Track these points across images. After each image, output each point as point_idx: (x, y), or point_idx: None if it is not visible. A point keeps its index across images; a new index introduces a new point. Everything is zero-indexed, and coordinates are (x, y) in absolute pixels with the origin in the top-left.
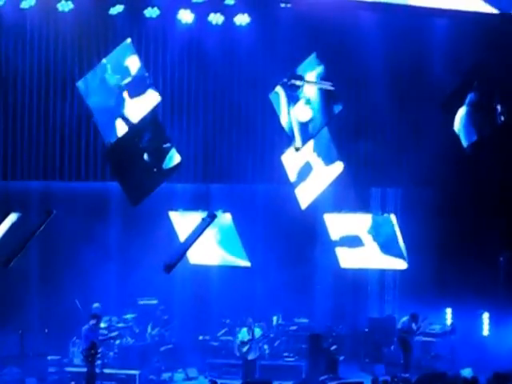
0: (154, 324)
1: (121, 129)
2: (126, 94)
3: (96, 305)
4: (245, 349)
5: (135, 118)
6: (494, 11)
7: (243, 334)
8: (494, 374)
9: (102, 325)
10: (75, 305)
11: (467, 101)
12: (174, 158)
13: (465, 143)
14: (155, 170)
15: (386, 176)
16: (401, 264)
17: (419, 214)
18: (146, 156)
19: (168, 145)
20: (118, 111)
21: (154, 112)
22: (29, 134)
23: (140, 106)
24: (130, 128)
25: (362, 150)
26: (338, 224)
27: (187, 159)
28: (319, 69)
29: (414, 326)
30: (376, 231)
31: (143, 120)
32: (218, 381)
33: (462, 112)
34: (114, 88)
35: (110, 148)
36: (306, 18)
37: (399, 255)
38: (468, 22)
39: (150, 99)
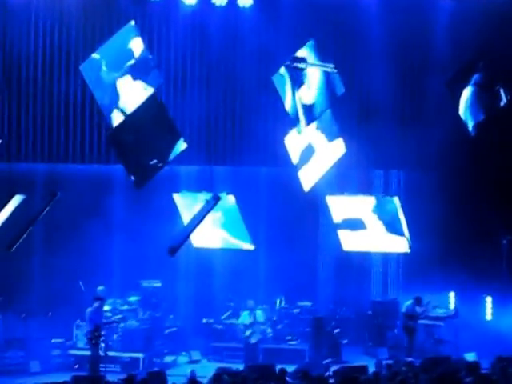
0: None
1: (122, 113)
2: (129, 77)
3: (100, 287)
4: (247, 332)
5: (137, 102)
6: None
7: (244, 318)
8: (498, 358)
9: (106, 307)
10: (79, 287)
11: (473, 81)
12: (181, 147)
13: (470, 124)
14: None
15: (388, 158)
16: (404, 245)
17: (422, 196)
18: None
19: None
20: (120, 95)
21: (156, 94)
22: (33, 117)
23: (142, 90)
24: (132, 111)
25: (364, 131)
26: (340, 206)
27: (191, 141)
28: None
29: (417, 309)
30: (380, 211)
31: (146, 103)
32: (222, 364)
33: (467, 92)
34: (117, 71)
35: (114, 131)
36: None
37: (403, 234)
38: (472, 1)
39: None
